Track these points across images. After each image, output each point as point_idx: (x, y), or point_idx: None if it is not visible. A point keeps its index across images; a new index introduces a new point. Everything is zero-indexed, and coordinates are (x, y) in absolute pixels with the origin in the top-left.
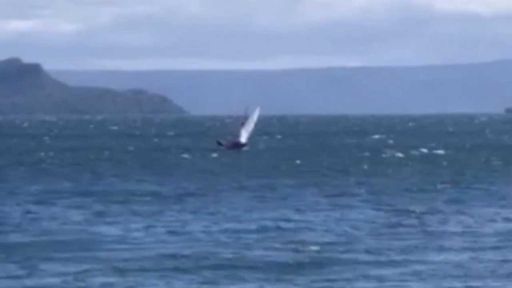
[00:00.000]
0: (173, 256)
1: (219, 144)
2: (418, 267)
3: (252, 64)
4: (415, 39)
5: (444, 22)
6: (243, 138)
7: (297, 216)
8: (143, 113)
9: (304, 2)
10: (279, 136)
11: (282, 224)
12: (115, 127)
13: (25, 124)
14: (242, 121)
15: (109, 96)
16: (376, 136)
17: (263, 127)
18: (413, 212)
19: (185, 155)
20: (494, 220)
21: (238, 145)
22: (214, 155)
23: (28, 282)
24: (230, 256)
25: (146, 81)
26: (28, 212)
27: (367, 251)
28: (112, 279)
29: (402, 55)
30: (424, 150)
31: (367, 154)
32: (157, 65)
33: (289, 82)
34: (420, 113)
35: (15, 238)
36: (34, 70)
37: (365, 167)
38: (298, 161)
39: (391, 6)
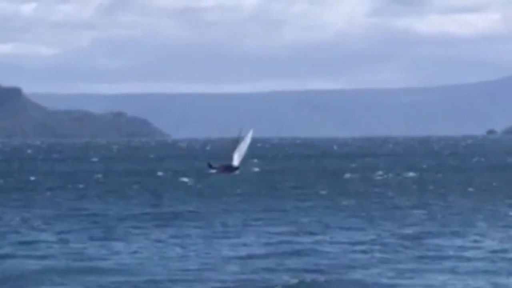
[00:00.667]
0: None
1: (210, 167)
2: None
3: (232, 87)
4: (395, 62)
5: (424, 44)
6: (236, 162)
7: (296, 239)
8: (123, 136)
9: (285, 25)
10: (261, 159)
11: (284, 247)
12: (114, 149)
13: (29, 151)
14: (231, 142)
15: (88, 119)
16: (367, 159)
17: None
18: (408, 235)
19: (184, 179)
20: (479, 247)
21: (230, 169)
22: (208, 178)
23: None
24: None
25: (125, 104)
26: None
27: (366, 275)
28: None
29: (382, 77)
30: (412, 174)
31: (357, 176)
32: (137, 89)
33: (269, 105)
34: (400, 135)
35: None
36: (14, 93)
37: (359, 189)
38: (291, 184)
39: (371, 28)
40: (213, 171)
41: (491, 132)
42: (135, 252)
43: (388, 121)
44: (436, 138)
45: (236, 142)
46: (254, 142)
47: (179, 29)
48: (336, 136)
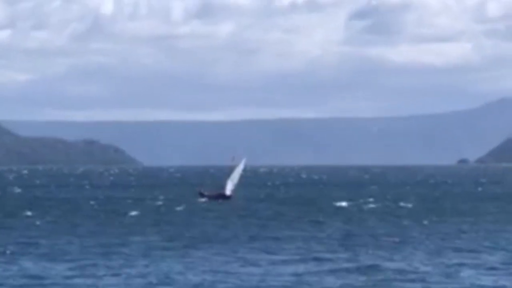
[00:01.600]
0: None
1: (202, 195)
2: None
3: (205, 115)
4: (368, 90)
5: (397, 73)
6: (228, 190)
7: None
8: (95, 164)
9: (258, 53)
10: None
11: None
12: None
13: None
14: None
15: (61, 146)
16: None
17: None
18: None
19: (179, 208)
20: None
21: (221, 197)
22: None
23: None
24: None
25: (98, 131)
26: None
27: None
28: None
29: (355, 106)
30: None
31: (343, 204)
32: (110, 116)
33: (242, 133)
34: (373, 164)
35: None
36: None
37: (342, 218)
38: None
39: (345, 57)
40: (203, 199)
41: (463, 161)
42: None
43: (361, 150)
44: (407, 168)
45: (231, 169)
46: (227, 170)
47: (153, 57)
48: (309, 164)
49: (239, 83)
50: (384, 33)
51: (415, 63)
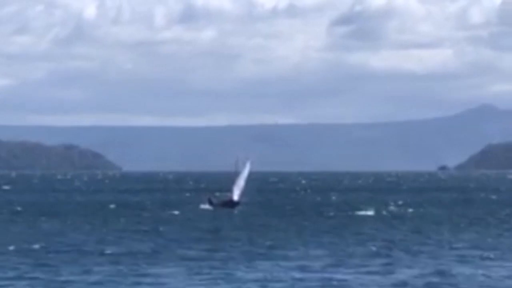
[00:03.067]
0: None
1: (211, 203)
2: None
3: (185, 121)
4: (349, 97)
5: (377, 79)
6: (236, 196)
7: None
8: (75, 169)
9: (238, 59)
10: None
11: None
12: (78, 183)
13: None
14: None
15: (41, 151)
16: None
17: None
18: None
19: (175, 212)
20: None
21: (230, 204)
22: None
23: None
24: None
25: (78, 136)
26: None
27: None
28: None
29: (336, 112)
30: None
31: (332, 213)
32: (90, 121)
33: (222, 139)
34: (353, 171)
35: None
36: None
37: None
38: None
39: (325, 63)
40: (208, 207)
41: (443, 168)
42: None
43: (340, 156)
44: (386, 174)
45: (236, 174)
46: (210, 176)
47: (134, 62)
48: (287, 170)
49: (220, 89)
50: (366, 39)
51: (396, 69)
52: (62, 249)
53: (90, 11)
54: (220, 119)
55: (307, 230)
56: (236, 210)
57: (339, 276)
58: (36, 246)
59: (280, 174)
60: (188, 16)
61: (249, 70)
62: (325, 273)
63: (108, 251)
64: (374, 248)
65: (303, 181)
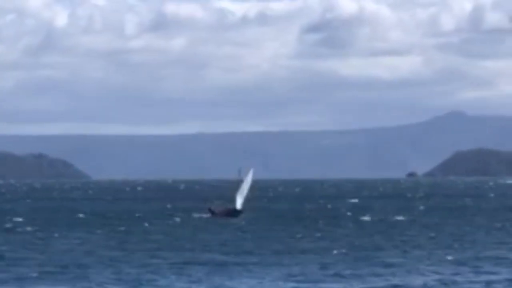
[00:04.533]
0: None
1: (212, 212)
2: None
3: (155, 129)
4: (319, 104)
5: (347, 87)
6: (239, 204)
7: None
8: (44, 178)
9: (208, 67)
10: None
11: None
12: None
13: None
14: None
15: (10, 160)
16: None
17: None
18: None
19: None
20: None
21: (233, 213)
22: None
23: None
24: None
25: (47, 145)
26: None
27: None
28: None
29: (306, 120)
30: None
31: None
32: (59, 130)
33: (192, 147)
34: (322, 178)
35: None
36: None
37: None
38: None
39: (295, 71)
40: (207, 215)
41: (411, 175)
42: None
43: (309, 164)
44: (361, 182)
45: (239, 183)
46: (179, 184)
47: (104, 71)
48: (259, 178)
49: (190, 97)
50: (336, 47)
51: (365, 77)
52: None
53: (61, 20)
54: (190, 127)
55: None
56: (239, 219)
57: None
58: None
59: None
60: (159, 25)
61: (219, 79)
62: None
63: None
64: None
65: (279, 189)
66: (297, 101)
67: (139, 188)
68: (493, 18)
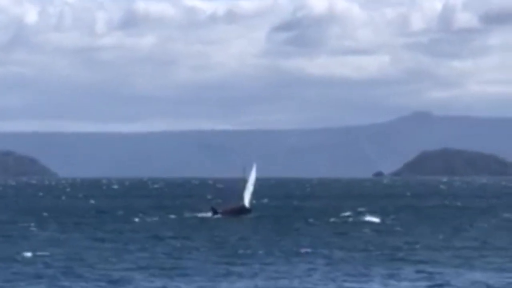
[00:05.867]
0: None
1: (215, 212)
2: None
3: (122, 126)
4: (286, 103)
5: (314, 85)
6: (246, 202)
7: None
8: (11, 175)
9: (176, 65)
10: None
11: None
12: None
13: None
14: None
15: None
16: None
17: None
18: None
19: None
20: None
21: (240, 211)
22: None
23: None
24: None
25: (14, 142)
26: None
27: None
28: None
29: (273, 118)
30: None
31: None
32: (26, 127)
33: (159, 145)
34: (287, 177)
35: None
36: None
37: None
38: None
39: (262, 69)
40: (211, 215)
41: (378, 174)
42: None
43: (276, 162)
44: (317, 180)
45: (244, 181)
46: (147, 182)
47: (73, 68)
48: (225, 176)
49: (158, 95)
50: (305, 46)
51: (333, 75)
52: None
53: (30, 17)
54: (158, 125)
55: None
56: (248, 217)
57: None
58: None
59: (223, 180)
60: (129, 22)
61: (188, 76)
62: None
63: None
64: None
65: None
66: (264, 99)
67: (115, 186)
68: (463, 18)
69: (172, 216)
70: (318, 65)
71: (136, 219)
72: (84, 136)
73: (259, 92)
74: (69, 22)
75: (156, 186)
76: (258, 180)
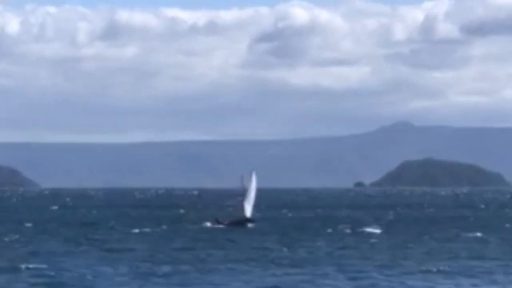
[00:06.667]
0: None
1: (218, 222)
2: None
3: (104, 137)
4: (267, 113)
5: (296, 96)
6: (248, 212)
7: None
8: None
9: (157, 76)
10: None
11: None
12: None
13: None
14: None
15: None
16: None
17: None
18: None
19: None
20: None
21: (243, 221)
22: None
23: None
24: None
25: None
26: None
27: None
28: None
29: (254, 129)
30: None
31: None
32: (8, 138)
33: (141, 156)
34: (270, 187)
35: None
36: None
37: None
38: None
39: (245, 80)
40: (221, 225)
41: (359, 184)
42: None
43: (258, 173)
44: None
45: (243, 191)
46: (130, 191)
47: (54, 79)
48: (206, 187)
49: (139, 106)
50: (287, 57)
51: (314, 86)
52: None
53: (12, 28)
54: (139, 136)
55: None
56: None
57: None
58: None
59: (203, 190)
60: (111, 33)
61: (169, 87)
62: None
63: None
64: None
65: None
66: (246, 110)
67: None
68: (444, 29)
69: (178, 226)
70: (300, 75)
71: (147, 229)
72: (65, 147)
73: (240, 103)
74: (50, 32)
75: (141, 196)
76: (243, 191)
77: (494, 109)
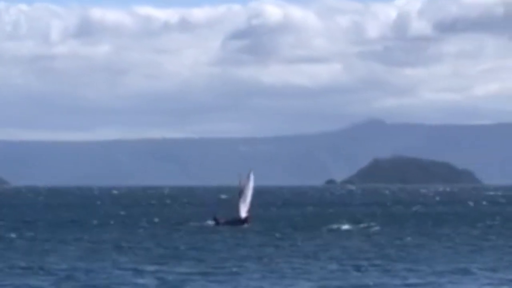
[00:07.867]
0: None
1: (216, 222)
2: None
3: (75, 135)
4: (239, 111)
5: (266, 94)
6: (243, 213)
7: None
8: None
9: (130, 74)
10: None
11: None
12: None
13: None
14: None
15: None
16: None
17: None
18: None
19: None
20: None
21: (238, 221)
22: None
23: None
24: None
25: None
26: None
27: None
28: None
29: (226, 127)
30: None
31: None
32: None
33: (111, 153)
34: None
35: None
36: None
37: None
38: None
39: (216, 78)
40: (218, 225)
41: (330, 182)
42: None
43: (227, 171)
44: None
45: (240, 190)
46: (106, 190)
47: (27, 77)
48: (175, 184)
49: (111, 104)
50: (259, 54)
51: (286, 84)
52: None
53: None
54: (110, 134)
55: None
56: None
57: None
58: None
59: (174, 188)
60: (84, 31)
61: (140, 85)
62: None
63: None
64: None
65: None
66: (217, 108)
67: (114, 192)
68: (418, 26)
69: (179, 225)
70: (272, 73)
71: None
72: (37, 145)
73: (212, 100)
74: (23, 31)
75: (116, 192)
76: (223, 188)
77: (466, 107)
